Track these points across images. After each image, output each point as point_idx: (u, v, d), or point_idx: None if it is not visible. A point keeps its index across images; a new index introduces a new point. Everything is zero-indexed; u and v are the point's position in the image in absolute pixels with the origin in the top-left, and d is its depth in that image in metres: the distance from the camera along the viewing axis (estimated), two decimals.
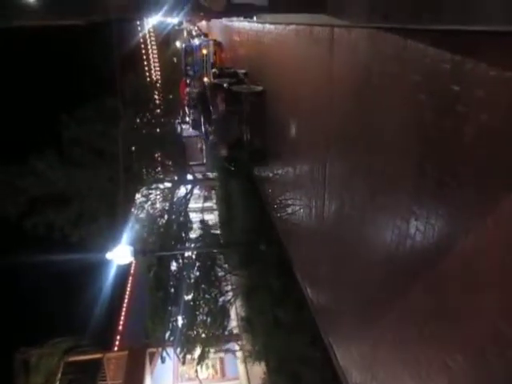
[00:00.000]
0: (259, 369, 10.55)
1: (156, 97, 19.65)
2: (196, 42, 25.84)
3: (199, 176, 20.26)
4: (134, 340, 15.53)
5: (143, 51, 30.37)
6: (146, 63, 28.76)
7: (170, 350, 12.01)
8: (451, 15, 2.78)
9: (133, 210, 16.09)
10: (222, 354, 15.48)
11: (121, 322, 17.78)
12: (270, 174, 10.21)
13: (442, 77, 3.06)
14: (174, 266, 12.55)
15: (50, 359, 14.73)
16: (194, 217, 16.92)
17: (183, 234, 14.44)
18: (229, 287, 12.36)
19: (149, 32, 31.85)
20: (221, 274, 12.04)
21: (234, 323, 14.10)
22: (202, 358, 11.54)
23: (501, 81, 2.54)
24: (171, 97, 21.20)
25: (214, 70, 16.65)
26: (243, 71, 13.01)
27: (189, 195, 17.68)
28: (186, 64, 21.60)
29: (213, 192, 22.55)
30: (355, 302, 5.42)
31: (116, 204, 12.64)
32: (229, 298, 12.03)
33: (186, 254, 12.70)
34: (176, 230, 14.56)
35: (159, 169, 17.65)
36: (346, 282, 5.69)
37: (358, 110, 4.72)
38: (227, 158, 11.95)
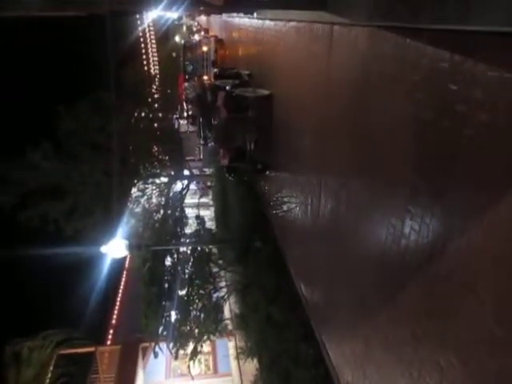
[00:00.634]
0: (252, 365, 10.58)
1: (154, 91, 19.60)
2: (196, 37, 25.72)
3: (196, 171, 20.25)
4: (127, 334, 15.52)
5: (142, 45, 30.24)
6: (144, 57, 28.64)
7: (163, 345, 12.01)
8: (452, 14, 2.78)
9: (129, 204, 16.07)
10: (214, 350, 15.54)
11: (114, 316, 17.76)
12: (268, 173, 10.15)
13: (441, 76, 3.07)
14: (168, 261, 12.54)
15: (41, 352, 14.71)
16: (190, 212, 16.90)
17: (179, 230, 14.44)
18: (223, 283, 12.37)
19: (148, 26, 31.71)
20: (215, 270, 12.04)
21: (227, 319, 14.11)
22: (194, 354, 11.55)
23: (499, 81, 2.55)
24: (169, 91, 21.15)
25: (215, 71, 16.13)
26: (247, 72, 12.13)
27: (185, 190, 17.67)
28: (185, 60, 21.53)
29: (209, 188, 22.53)
30: (349, 301, 5.43)
31: (111, 198, 12.59)
32: (223, 294, 12.03)
33: (181, 250, 12.70)
34: (171, 225, 14.56)
35: (156, 163, 17.61)
36: (340, 280, 5.70)
37: (355, 107, 4.72)
38: (228, 168, 10.89)
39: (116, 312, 17.99)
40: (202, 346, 11.62)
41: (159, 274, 11.81)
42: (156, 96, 19.39)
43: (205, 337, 11.36)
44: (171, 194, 16.97)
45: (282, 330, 8.16)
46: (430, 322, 3.42)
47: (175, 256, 12.57)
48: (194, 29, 34.66)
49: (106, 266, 11.00)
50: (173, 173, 18.11)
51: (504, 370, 2.63)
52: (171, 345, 11.44)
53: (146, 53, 29.51)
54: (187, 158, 20.38)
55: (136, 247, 10.35)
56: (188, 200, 19.06)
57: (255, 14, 9.55)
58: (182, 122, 21.86)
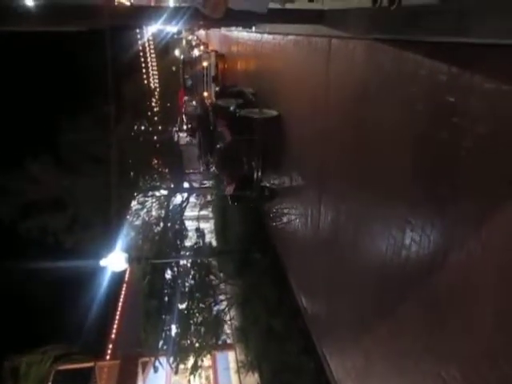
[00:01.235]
0: (252, 379, 10.46)
1: (154, 105, 19.73)
2: (196, 52, 25.83)
3: (196, 184, 20.26)
4: (126, 348, 15.36)
5: (142, 59, 30.48)
6: (144, 71, 28.86)
7: (163, 360, 11.90)
8: (449, 27, 2.81)
9: (128, 216, 16.06)
10: (215, 364, 15.37)
11: (113, 330, 17.59)
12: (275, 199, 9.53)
13: (439, 89, 3.09)
14: (168, 274, 12.49)
15: (39, 367, 14.53)
16: (190, 225, 16.87)
17: (178, 242, 14.41)
18: (223, 296, 12.29)
19: (148, 40, 32.00)
20: (215, 282, 11.98)
21: (227, 333, 14.00)
22: (195, 368, 11.44)
23: (497, 93, 2.57)
24: (169, 105, 21.29)
25: (216, 89, 15.45)
26: (251, 90, 11.22)
27: (185, 203, 17.68)
28: (185, 74, 21.59)
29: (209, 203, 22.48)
30: (349, 313, 5.40)
31: (111, 210, 12.60)
32: (223, 307, 11.95)
33: (181, 262, 12.65)
34: (171, 238, 14.53)
35: (156, 176, 17.66)
36: (341, 292, 5.67)
37: (354, 120, 4.75)
38: (232, 197, 10.12)
39: (115, 326, 17.82)
40: (202, 360, 11.52)
41: (159, 287, 11.75)
42: (156, 109, 19.52)
43: (205, 351, 11.26)
44: (171, 207, 16.97)
45: (282, 342, 8.10)
46: (431, 334, 3.39)
47: (175, 269, 12.53)
48: (194, 43, 34.87)
49: (105, 280, 10.96)
50: (172, 185, 18.14)
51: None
52: (171, 359, 11.33)
53: (146, 67, 29.72)
54: (187, 171, 20.41)
55: (136, 260, 10.33)
56: (188, 212, 19.06)
57: (253, 28, 9.60)
58: (181, 134, 21.93)
